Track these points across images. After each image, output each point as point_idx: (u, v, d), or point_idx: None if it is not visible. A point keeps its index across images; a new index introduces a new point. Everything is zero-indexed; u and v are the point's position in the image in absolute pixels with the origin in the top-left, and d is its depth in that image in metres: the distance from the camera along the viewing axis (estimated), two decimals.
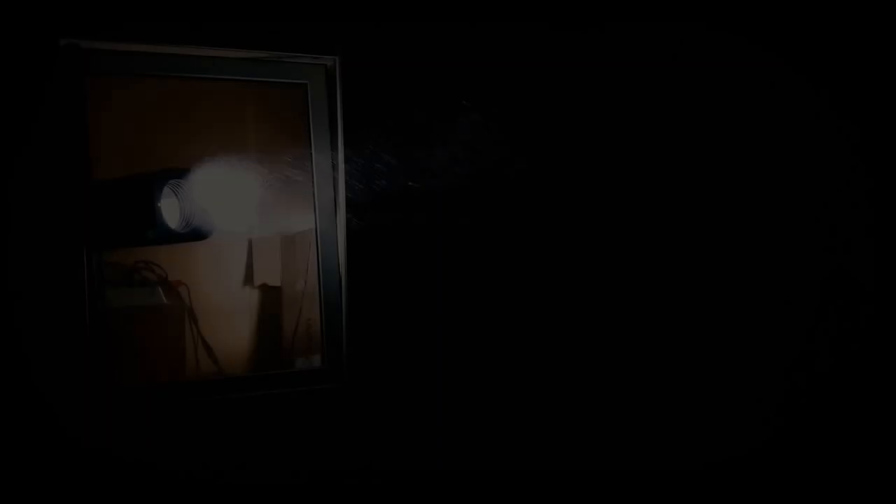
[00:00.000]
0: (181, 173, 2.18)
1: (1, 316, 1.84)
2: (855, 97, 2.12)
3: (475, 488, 2.26)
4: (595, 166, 2.44)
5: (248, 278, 2.47)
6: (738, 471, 2.42)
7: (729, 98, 2.37)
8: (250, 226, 2.41)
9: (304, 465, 2.12)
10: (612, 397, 2.45)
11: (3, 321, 1.85)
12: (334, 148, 2.22)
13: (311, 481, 2.12)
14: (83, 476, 1.90)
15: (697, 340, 2.50)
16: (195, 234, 2.21)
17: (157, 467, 1.96)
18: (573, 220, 2.43)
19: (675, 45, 2.41)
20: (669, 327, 2.49)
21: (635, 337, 2.48)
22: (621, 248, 2.47)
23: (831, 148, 2.18)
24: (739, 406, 2.50)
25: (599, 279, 2.47)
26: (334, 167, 2.23)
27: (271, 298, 2.47)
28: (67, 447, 1.88)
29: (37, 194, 1.89)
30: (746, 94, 2.34)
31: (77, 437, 1.89)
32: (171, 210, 2.17)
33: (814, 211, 2.33)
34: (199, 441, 2.02)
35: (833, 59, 2.19)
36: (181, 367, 2.30)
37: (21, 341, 1.86)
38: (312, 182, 2.24)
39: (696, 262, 2.50)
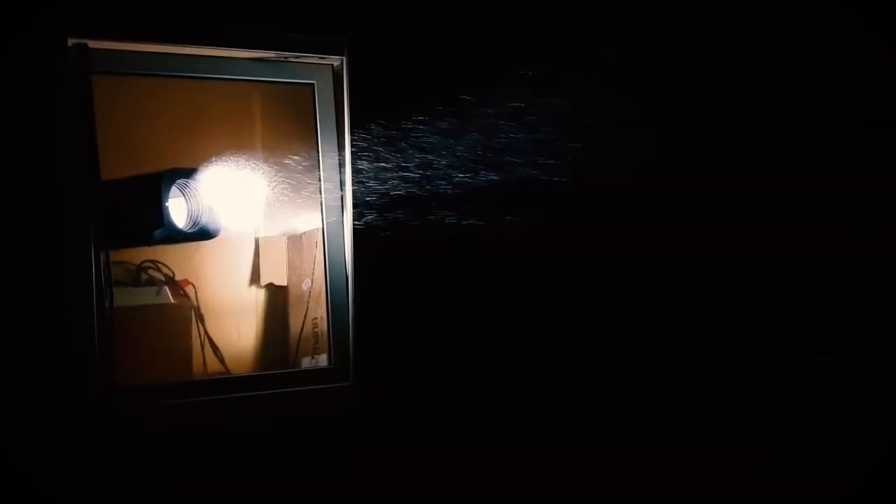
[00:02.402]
0: (188, 173, 2.18)
1: (3, 315, 1.85)
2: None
3: (479, 488, 2.26)
4: (603, 166, 2.44)
5: (255, 278, 2.48)
6: (738, 471, 2.43)
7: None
8: (257, 225, 2.42)
9: (310, 464, 2.12)
10: (612, 396, 2.46)
11: (5, 320, 1.85)
12: (341, 147, 2.23)
13: (317, 480, 2.13)
14: (83, 477, 1.90)
15: (696, 339, 2.51)
16: (202, 234, 2.22)
17: (160, 467, 1.96)
18: (577, 220, 2.43)
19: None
20: (670, 326, 2.50)
21: (636, 335, 2.48)
22: (624, 245, 2.48)
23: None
24: (741, 406, 2.51)
25: (602, 276, 2.47)
26: (341, 166, 2.23)
27: (278, 298, 2.48)
28: (67, 447, 1.88)
29: (44, 193, 1.89)
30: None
31: (76, 437, 1.89)
32: (178, 209, 2.17)
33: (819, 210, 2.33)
34: (204, 441, 2.02)
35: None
36: (188, 366, 2.31)
37: (22, 340, 1.86)
38: (319, 181, 2.25)
39: (698, 261, 2.51)
